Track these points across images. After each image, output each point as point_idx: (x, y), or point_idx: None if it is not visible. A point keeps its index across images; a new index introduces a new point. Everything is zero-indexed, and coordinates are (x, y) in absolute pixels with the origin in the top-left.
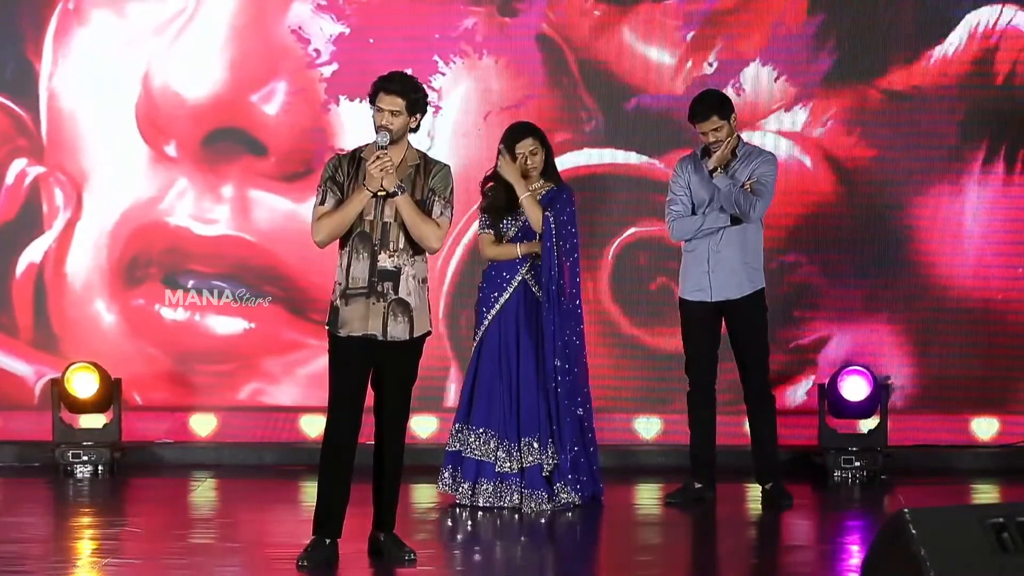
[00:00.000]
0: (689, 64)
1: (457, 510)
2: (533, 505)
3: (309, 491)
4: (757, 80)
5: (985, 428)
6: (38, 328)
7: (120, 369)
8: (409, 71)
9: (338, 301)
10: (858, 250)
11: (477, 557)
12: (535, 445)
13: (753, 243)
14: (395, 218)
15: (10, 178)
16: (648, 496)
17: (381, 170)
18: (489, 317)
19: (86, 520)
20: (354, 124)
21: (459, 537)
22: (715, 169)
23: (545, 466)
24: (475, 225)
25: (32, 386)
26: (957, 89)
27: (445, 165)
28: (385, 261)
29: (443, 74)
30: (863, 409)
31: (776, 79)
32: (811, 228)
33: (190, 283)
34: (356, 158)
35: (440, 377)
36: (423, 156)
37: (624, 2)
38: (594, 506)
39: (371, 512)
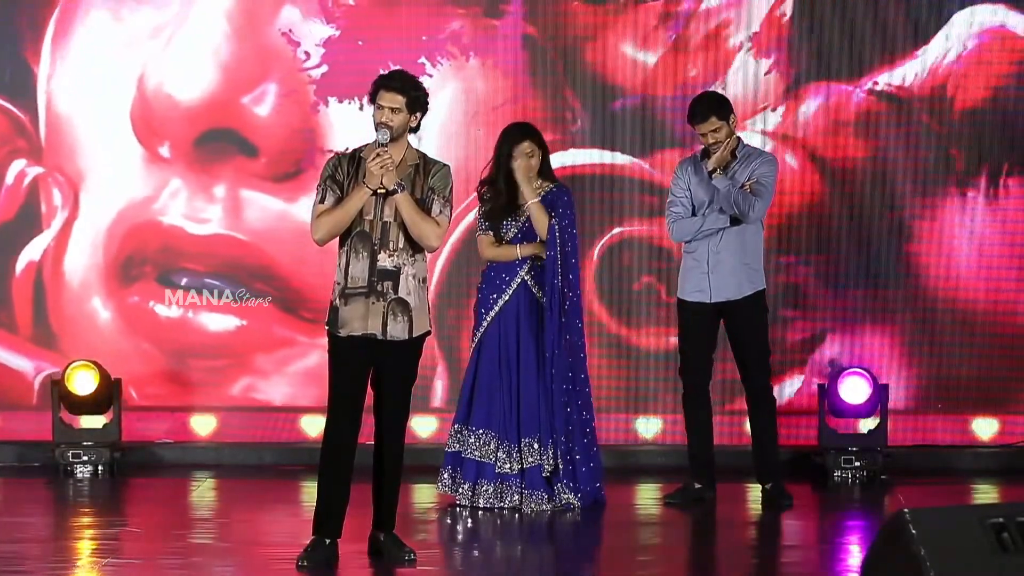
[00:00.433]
0: (674, 65)
1: (457, 510)
2: (533, 505)
3: (309, 491)
4: (742, 80)
5: (985, 428)
6: (37, 325)
7: (116, 364)
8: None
9: (337, 301)
10: (847, 250)
11: (477, 557)
12: (535, 446)
13: (753, 244)
14: (395, 217)
15: (10, 178)
16: (648, 496)
17: (381, 167)
18: (488, 318)
19: (86, 520)
20: (343, 125)
21: (459, 537)
22: (714, 170)
23: (545, 467)
24: (462, 225)
25: (31, 380)
26: (944, 88)
27: (445, 165)
28: (385, 260)
29: (430, 76)
30: (863, 412)
31: (761, 79)
32: (797, 228)
33: (183, 281)
34: (356, 157)
35: (427, 376)
36: (423, 156)
37: (609, 3)
38: (594, 506)
39: (371, 512)
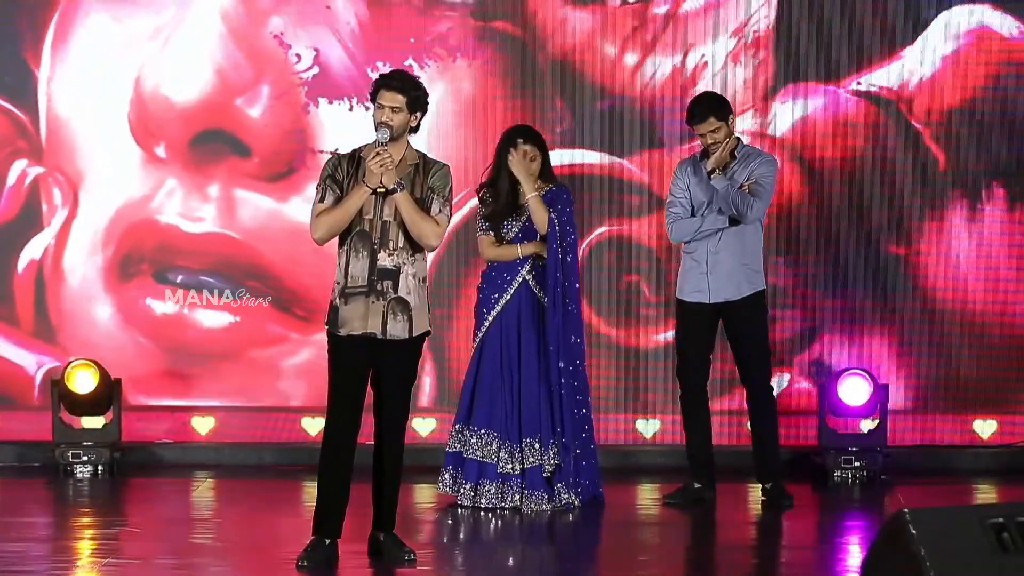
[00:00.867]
0: (658, 65)
1: (457, 510)
2: (533, 505)
3: (309, 491)
4: (725, 81)
5: (985, 428)
6: (38, 321)
7: (114, 359)
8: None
9: (337, 300)
10: (829, 251)
11: (477, 557)
12: (536, 446)
13: (752, 245)
14: (394, 217)
15: (11, 179)
16: (648, 496)
17: (381, 166)
18: (490, 318)
19: (86, 520)
20: (333, 125)
21: (459, 537)
22: (713, 171)
23: (546, 467)
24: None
25: (32, 376)
26: (929, 89)
27: (444, 165)
28: (384, 260)
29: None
30: (862, 413)
31: (745, 80)
32: (781, 229)
33: (179, 279)
34: (356, 157)
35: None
36: (423, 156)
37: (593, 4)
38: (594, 506)
39: (371, 512)
